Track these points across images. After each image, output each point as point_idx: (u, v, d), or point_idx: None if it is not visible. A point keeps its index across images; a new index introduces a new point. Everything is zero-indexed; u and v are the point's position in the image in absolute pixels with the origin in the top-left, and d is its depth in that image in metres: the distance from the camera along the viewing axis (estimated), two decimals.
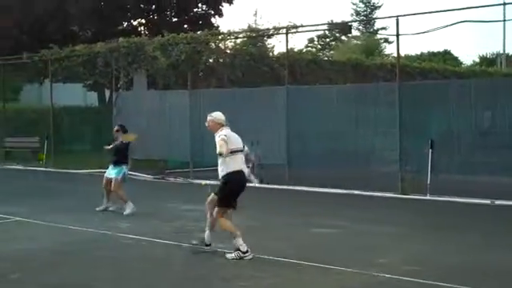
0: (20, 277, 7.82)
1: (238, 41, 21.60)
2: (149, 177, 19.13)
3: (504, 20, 26.21)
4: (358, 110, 16.13)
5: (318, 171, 16.72)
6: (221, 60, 21.02)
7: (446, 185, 14.46)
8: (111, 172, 12.73)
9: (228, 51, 21.31)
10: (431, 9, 37.42)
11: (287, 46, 17.99)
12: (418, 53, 48.29)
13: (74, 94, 29.41)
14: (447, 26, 15.13)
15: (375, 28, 53.71)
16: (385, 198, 14.50)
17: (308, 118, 16.82)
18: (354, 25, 61.76)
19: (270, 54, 22.90)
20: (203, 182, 17.22)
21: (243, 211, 12.51)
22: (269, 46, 23.85)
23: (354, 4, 62.36)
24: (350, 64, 25.40)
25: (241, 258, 8.36)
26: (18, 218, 11.93)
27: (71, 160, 22.90)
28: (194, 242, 8.99)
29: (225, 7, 31.77)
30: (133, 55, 20.83)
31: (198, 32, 21.30)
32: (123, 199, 12.51)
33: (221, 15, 31.85)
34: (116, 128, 13.21)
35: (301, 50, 27.47)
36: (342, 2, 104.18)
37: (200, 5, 31.55)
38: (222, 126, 8.82)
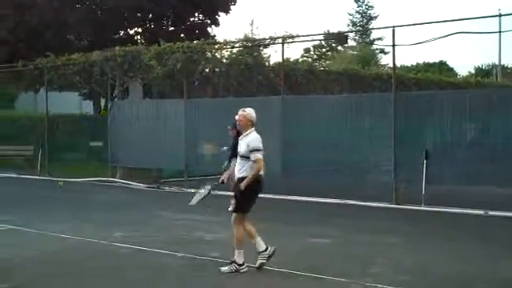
0: (11, 286, 7.77)
1: (234, 50, 21.60)
2: (141, 185, 19.12)
3: (500, 31, 26.30)
4: (353, 119, 16.14)
5: (313, 181, 16.72)
6: (216, 69, 21.02)
7: (440, 195, 14.49)
8: None
9: (224, 60, 21.31)
10: (427, 20, 37.61)
11: (283, 55, 18.00)
12: (414, 63, 48.53)
13: (69, 103, 29.41)
14: (443, 36, 15.19)
15: (371, 38, 54.00)
16: (379, 208, 14.49)
17: (303, 127, 16.82)
18: (351, 35, 62.10)
19: (266, 63, 22.88)
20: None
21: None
22: (265, 56, 23.82)
23: (350, 14, 62.86)
24: (346, 74, 25.41)
25: (238, 271, 8.12)
26: (10, 227, 11.88)
27: (66, 168, 22.87)
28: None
29: (221, 17, 31.86)
30: (128, 64, 20.81)
31: (194, 41, 21.30)
32: None
33: (217, 25, 31.91)
34: (230, 127, 13.44)
35: (297, 60, 27.43)
36: (338, 13, 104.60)
37: (196, 14, 31.60)
38: (253, 125, 8.41)
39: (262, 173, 8.43)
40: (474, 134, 14.64)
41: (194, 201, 8.76)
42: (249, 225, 8.38)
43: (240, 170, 8.33)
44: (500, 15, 19.96)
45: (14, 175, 23.05)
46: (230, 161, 13.21)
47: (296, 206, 15.26)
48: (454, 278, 8.02)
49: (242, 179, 8.24)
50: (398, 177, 14.96)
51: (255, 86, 21.56)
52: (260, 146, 8.27)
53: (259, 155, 8.23)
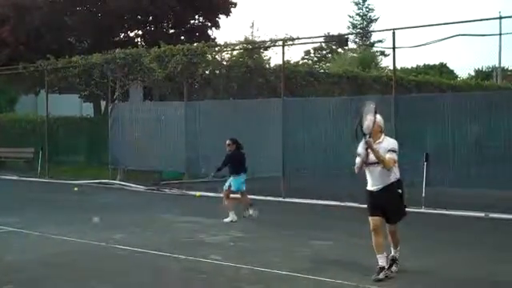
0: None
1: (235, 52, 21.61)
2: (142, 187, 19.10)
3: (500, 34, 26.31)
4: (353, 122, 16.09)
5: (314, 183, 16.71)
6: (217, 72, 21.03)
7: (441, 197, 14.46)
8: (232, 183, 13.11)
9: (224, 63, 21.32)
10: (427, 22, 37.60)
11: (283, 57, 18.00)
12: (414, 66, 48.48)
13: (69, 105, 29.40)
14: (443, 39, 15.20)
15: (371, 41, 53.96)
16: None
17: (304, 130, 16.83)
18: (351, 37, 61.90)
19: (267, 65, 22.88)
20: (198, 193, 17.31)
21: (238, 224, 12.54)
22: (265, 58, 23.84)
23: (350, 17, 62.79)
24: (346, 76, 25.40)
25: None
26: (11, 229, 11.87)
27: (66, 171, 22.88)
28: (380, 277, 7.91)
29: (221, 19, 31.83)
30: (129, 66, 20.84)
31: (195, 44, 21.30)
32: (229, 208, 12.86)
33: (217, 27, 31.90)
34: (228, 142, 13.27)
35: (297, 62, 27.41)
36: (338, 15, 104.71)
37: (197, 17, 31.57)
38: (381, 131, 8.11)
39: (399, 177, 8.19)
40: (474, 136, 14.62)
41: None
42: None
43: (384, 178, 8.03)
44: (500, 18, 19.93)
45: (14, 177, 23.06)
46: (218, 170, 13.43)
47: (296, 208, 15.25)
48: (455, 281, 8.01)
49: (392, 185, 8.04)
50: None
51: (256, 88, 21.58)
52: (396, 147, 8.05)
53: (394, 156, 7.98)
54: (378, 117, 8.12)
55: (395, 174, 8.05)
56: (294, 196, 16.13)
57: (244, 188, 13.19)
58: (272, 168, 17.10)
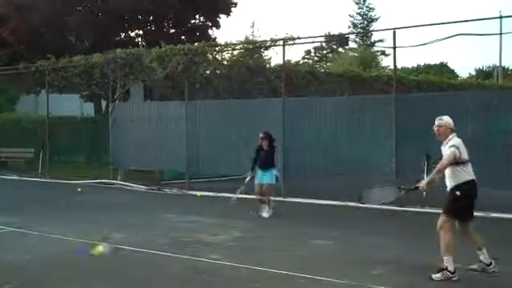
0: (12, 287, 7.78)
1: (235, 52, 21.62)
2: (142, 187, 19.11)
3: (500, 33, 26.24)
4: (354, 121, 16.14)
5: (314, 183, 16.70)
6: (218, 71, 21.03)
7: (442, 197, 14.41)
8: (263, 178, 13.50)
9: (225, 63, 21.33)
10: (428, 22, 37.58)
11: (284, 57, 18.01)
12: (415, 65, 48.49)
13: (70, 105, 29.42)
14: (444, 38, 15.21)
15: (372, 40, 53.95)
16: (380, 210, 14.45)
17: (304, 129, 16.83)
18: (351, 37, 61.85)
19: (267, 65, 22.90)
20: (198, 193, 17.32)
21: (238, 224, 12.54)
22: (266, 58, 23.88)
23: (351, 16, 62.85)
24: (347, 76, 25.41)
25: (448, 279, 7.87)
26: (12, 229, 11.87)
27: (67, 170, 22.88)
28: (474, 267, 8.28)
29: (222, 19, 31.88)
30: (130, 66, 20.83)
31: (195, 43, 21.31)
32: (268, 203, 13.56)
33: (218, 27, 31.93)
34: (261, 135, 13.73)
35: (298, 62, 27.44)
36: (339, 15, 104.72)
37: (197, 16, 31.61)
38: (452, 131, 8.19)
39: (474, 178, 8.26)
40: (474, 136, 14.58)
41: None
42: (451, 236, 8.15)
43: (449, 180, 8.22)
44: (501, 17, 19.91)
45: (15, 177, 23.07)
46: (252, 169, 13.70)
47: (296, 208, 15.25)
48: (456, 280, 8.00)
49: (455, 188, 8.15)
50: (400, 179, 14.92)
51: (256, 87, 21.57)
52: (456, 143, 8.09)
53: (453, 149, 8.01)
54: (446, 117, 8.23)
55: (457, 178, 8.13)
56: (295, 196, 16.13)
57: (263, 182, 13.54)
58: None
